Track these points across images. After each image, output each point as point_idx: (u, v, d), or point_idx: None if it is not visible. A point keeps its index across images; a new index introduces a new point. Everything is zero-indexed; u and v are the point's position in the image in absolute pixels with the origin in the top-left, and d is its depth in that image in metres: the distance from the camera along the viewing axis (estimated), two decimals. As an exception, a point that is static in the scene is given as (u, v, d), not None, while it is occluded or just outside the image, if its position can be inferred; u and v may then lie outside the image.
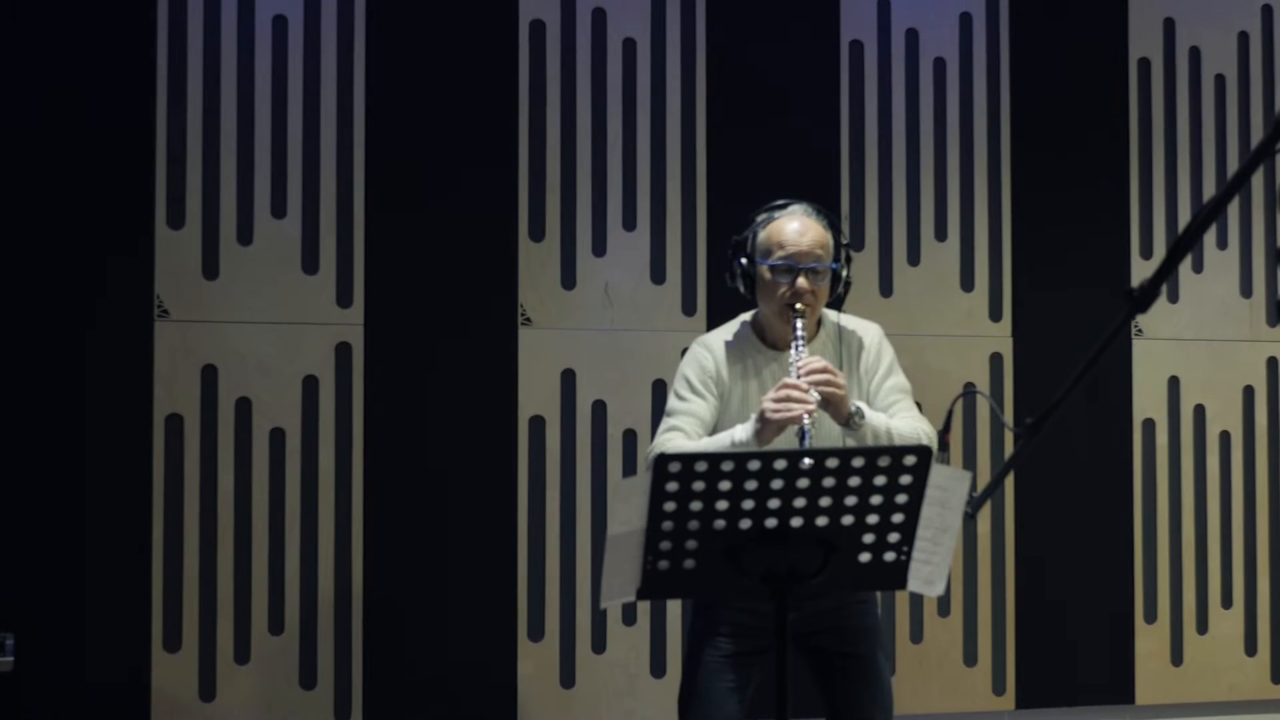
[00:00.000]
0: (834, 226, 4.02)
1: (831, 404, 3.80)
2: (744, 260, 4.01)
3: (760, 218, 4.04)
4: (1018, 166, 6.04)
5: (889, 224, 5.93)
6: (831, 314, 4.08)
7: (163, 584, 5.26)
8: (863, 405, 3.85)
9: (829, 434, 3.89)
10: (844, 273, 4.03)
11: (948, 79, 6.02)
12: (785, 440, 3.76)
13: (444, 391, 5.52)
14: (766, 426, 3.75)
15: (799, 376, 3.76)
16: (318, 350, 5.43)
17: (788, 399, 3.73)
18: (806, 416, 3.69)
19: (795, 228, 3.96)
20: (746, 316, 4.12)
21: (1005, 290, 6.01)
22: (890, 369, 4.06)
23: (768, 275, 3.95)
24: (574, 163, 5.67)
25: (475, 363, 5.55)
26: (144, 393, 5.27)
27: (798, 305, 3.89)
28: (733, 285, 4.06)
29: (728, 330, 4.11)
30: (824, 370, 3.78)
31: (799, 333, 3.86)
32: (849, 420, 3.82)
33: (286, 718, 5.34)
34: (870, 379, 4.02)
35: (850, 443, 3.86)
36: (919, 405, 4.08)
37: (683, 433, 3.93)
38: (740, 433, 3.84)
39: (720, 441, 3.86)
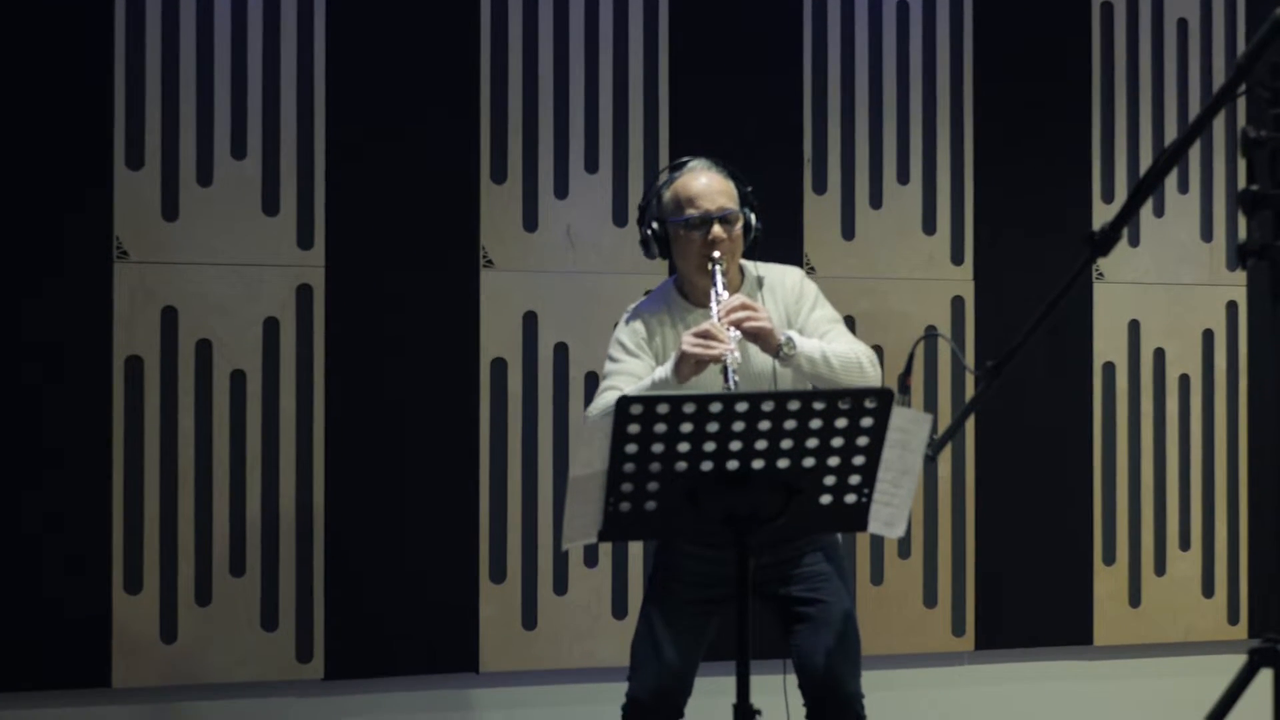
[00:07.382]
0: (735, 177, 4.06)
1: (759, 337, 3.82)
2: (654, 225, 4.05)
3: (661, 180, 4.09)
4: (980, 110, 6.04)
5: (851, 167, 5.93)
6: (750, 264, 4.10)
7: (123, 526, 5.24)
8: (793, 335, 3.86)
9: (760, 369, 3.91)
10: (754, 219, 4.05)
11: (911, 22, 6.00)
12: (710, 379, 3.79)
13: (405, 334, 5.51)
14: (684, 361, 3.77)
15: (719, 319, 3.78)
16: (278, 292, 5.40)
17: (707, 335, 3.75)
18: (728, 356, 3.71)
19: (702, 181, 4.01)
20: (669, 281, 4.15)
21: (967, 233, 6.02)
22: (815, 303, 4.08)
23: (681, 232, 3.97)
24: (536, 105, 5.64)
25: (437, 305, 5.53)
26: (103, 335, 5.24)
27: (715, 254, 3.92)
28: (648, 254, 4.10)
29: (654, 297, 4.16)
30: (741, 307, 3.80)
31: (719, 280, 3.88)
32: (779, 351, 3.83)
33: (248, 659, 5.35)
34: (796, 318, 4.03)
35: (783, 374, 3.90)
36: (880, 350, 4.10)
37: (619, 391, 3.93)
38: (660, 371, 3.86)
39: (643, 385, 3.88)
